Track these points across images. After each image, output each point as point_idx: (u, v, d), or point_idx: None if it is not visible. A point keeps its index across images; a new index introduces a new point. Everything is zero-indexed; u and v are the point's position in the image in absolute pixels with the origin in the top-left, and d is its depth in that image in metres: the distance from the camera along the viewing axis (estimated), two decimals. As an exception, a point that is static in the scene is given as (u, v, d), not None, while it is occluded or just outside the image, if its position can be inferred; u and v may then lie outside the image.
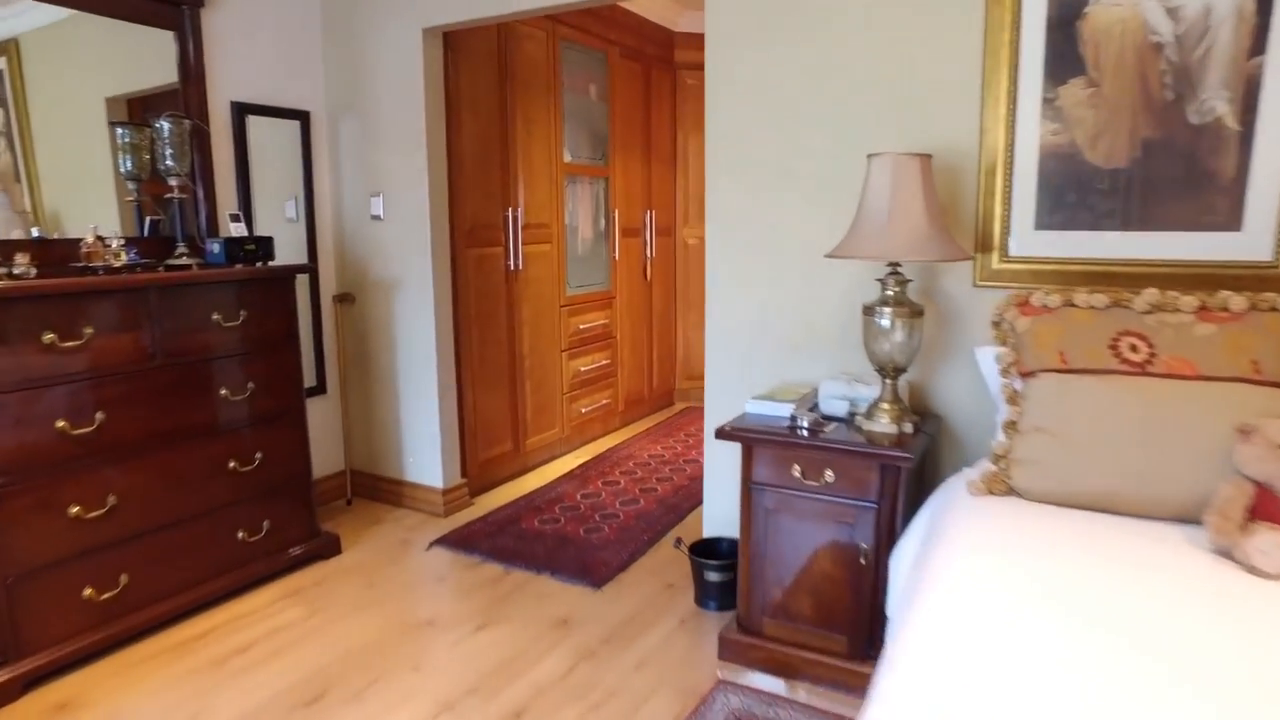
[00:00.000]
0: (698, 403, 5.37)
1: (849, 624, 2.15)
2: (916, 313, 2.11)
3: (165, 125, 2.70)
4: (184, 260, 2.70)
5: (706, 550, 2.71)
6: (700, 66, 5.03)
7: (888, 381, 2.17)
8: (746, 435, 2.19)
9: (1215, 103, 1.93)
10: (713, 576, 2.60)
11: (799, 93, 2.45)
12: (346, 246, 3.57)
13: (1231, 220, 1.94)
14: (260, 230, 3.21)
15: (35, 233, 2.55)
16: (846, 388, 2.29)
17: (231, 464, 2.68)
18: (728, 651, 2.30)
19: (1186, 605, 1.27)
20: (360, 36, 3.35)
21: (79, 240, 2.45)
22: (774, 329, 2.59)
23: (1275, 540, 1.36)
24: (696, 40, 5.04)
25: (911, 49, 2.27)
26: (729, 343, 2.68)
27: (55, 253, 2.52)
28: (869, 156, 2.06)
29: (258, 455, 2.76)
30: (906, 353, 2.12)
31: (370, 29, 3.32)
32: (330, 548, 3.05)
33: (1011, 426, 1.83)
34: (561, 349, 4.25)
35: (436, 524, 3.37)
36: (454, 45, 3.36)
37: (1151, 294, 1.77)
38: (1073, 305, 1.85)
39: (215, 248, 2.75)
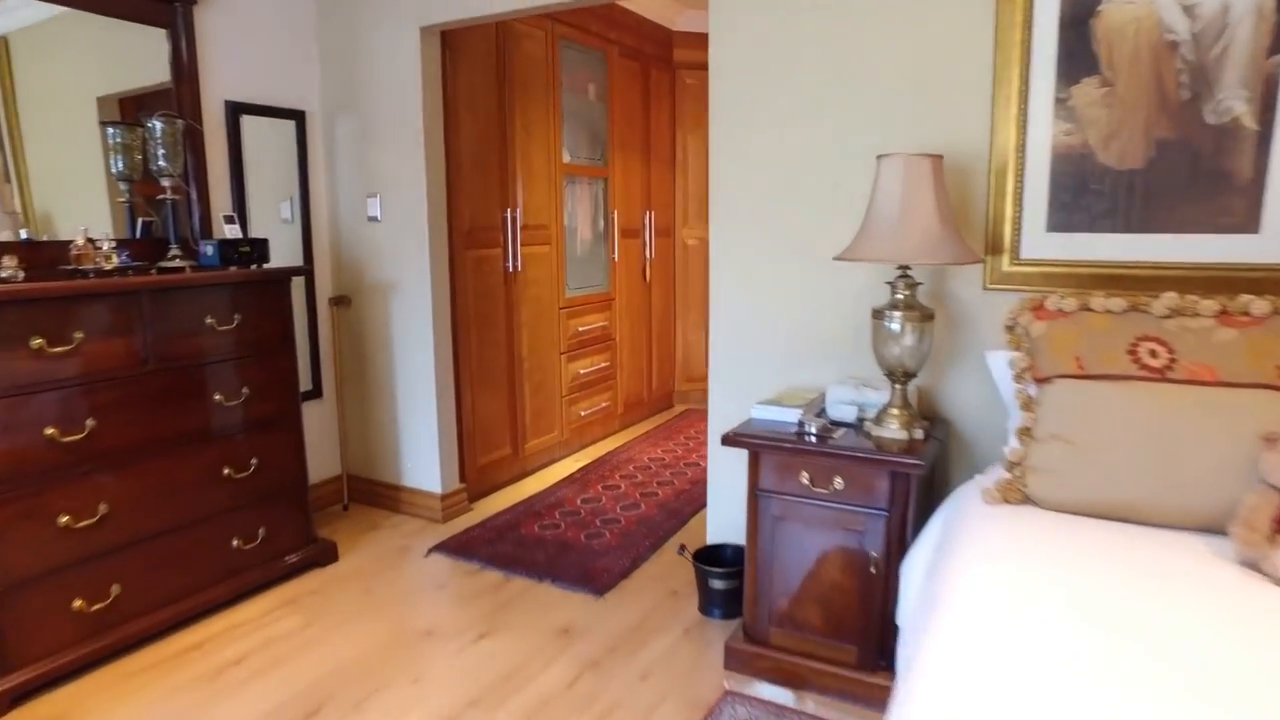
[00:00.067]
0: (697, 405, 5.33)
1: (859, 634, 2.10)
2: (927, 316, 2.06)
3: (158, 125, 2.65)
4: (177, 263, 2.65)
5: (711, 557, 2.66)
6: (700, 66, 5.00)
7: (897, 386, 2.12)
8: (754, 442, 2.15)
9: (1233, 102, 1.89)
10: (718, 584, 2.55)
11: (806, 93, 2.40)
12: (343, 248, 3.51)
13: (1249, 222, 1.90)
14: (255, 232, 3.15)
15: (24, 234, 2.50)
16: (855, 393, 2.25)
17: (226, 470, 2.63)
18: (734, 661, 2.26)
19: (1217, 621, 1.22)
20: (357, 35, 3.30)
21: (69, 242, 2.40)
22: (779, 332, 2.55)
23: (1305, 552, 1.32)
24: (695, 39, 5.00)
25: (922, 48, 2.23)
26: (733, 346, 2.63)
27: (44, 255, 2.46)
28: (879, 157, 2.01)
29: (253, 461, 2.71)
30: (917, 357, 2.08)
31: (367, 27, 3.26)
32: (327, 555, 3.00)
33: (1026, 433, 1.79)
34: (560, 351, 4.21)
35: (435, 530, 3.32)
36: (452, 44, 3.31)
37: (1170, 298, 1.73)
38: (1089, 309, 1.80)
39: (209, 250, 2.70)
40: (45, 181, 2.58)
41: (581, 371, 4.38)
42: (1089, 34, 2.01)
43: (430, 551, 3.10)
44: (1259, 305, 1.67)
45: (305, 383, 3.38)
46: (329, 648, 2.42)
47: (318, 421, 3.47)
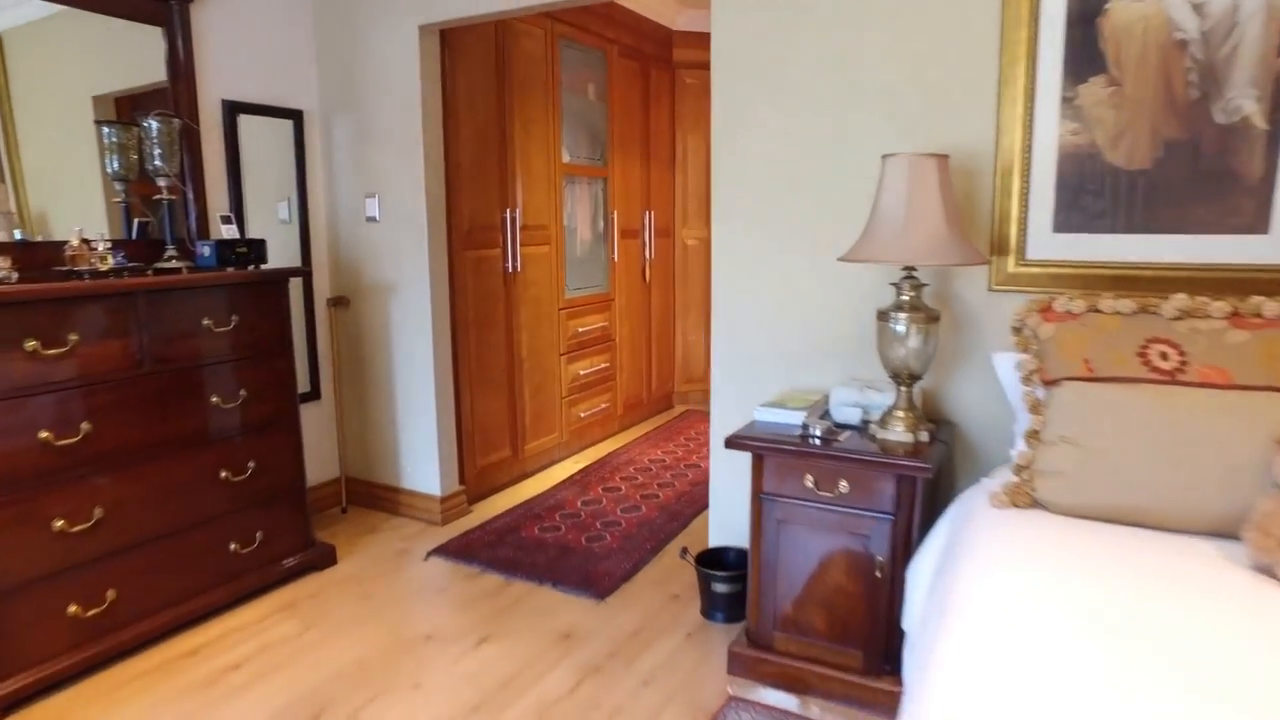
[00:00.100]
0: (697, 405, 5.31)
1: (864, 638, 2.08)
2: (933, 318, 2.04)
3: (154, 124, 2.62)
4: (173, 263, 2.62)
5: (713, 560, 2.64)
6: (700, 65, 4.98)
7: (902, 389, 2.10)
8: (757, 444, 2.13)
9: (1242, 101, 1.87)
10: (720, 588, 2.53)
11: (810, 91, 2.38)
12: (341, 249, 3.48)
13: (1258, 223, 1.88)
14: (252, 232, 3.13)
15: (18, 235, 2.47)
16: (859, 395, 2.22)
17: (223, 473, 2.60)
18: (737, 666, 2.24)
19: (1231, 626, 1.21)
20: (355, 34, 3.27)
21: (64, 243, 2.37)
22: (782, 333, 2.52)
23: (1321, 558, 1.30)
24: (695, 39, 4.98)
25: (926, 47, 2.20)
26: (735, 347, 2.61)
27: (39, 256, 2.43)
28: (884, 157, 1.99)
29: (250, 464, 2.68)
30: (922, 359, 2.06)
31: (366, 26, 3.24)
32: (325, 558, 2.97)
33: (1034, 436, 1.76)
34: (560, 352, 4.18)
35: (434, 532, 3.29)
36: (451, 43, 3.29)
37: (1180, 299, 1.71)
38: (1098, 311, 1.78)
39: (206, 250, 2.67)
40: (40, 181, 2.55)
41: (581, 372, 4.35)
42: (1096, 32, 1.99)
43: (430, 555, 3.07)
44: (1271, 307, 1.65)
45: (303, 384, 3.35)
46: (328, 652, 2.40)
47: (316, 423, 3.44)
